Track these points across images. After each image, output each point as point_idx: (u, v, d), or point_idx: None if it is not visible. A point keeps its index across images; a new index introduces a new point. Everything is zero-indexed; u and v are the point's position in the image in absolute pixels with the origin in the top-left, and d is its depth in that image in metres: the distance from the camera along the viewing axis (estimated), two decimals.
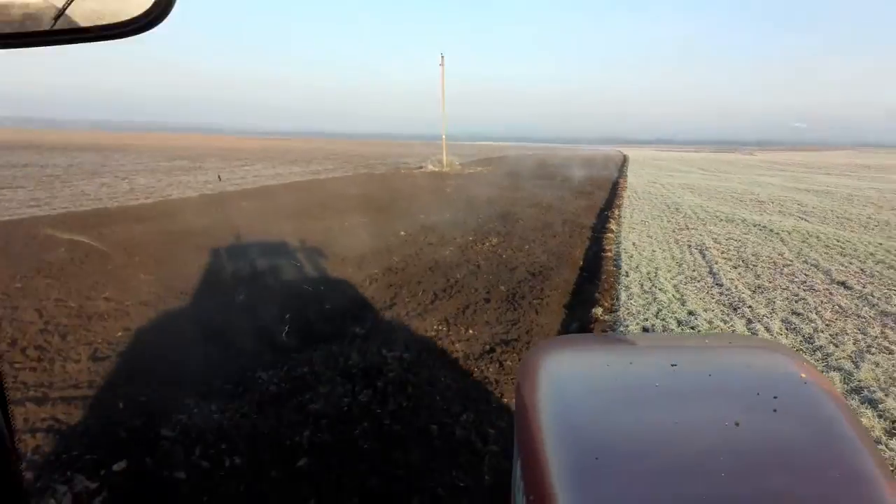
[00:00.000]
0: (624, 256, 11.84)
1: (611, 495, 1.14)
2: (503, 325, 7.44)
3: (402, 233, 14.05)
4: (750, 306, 8.57)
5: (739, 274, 10.63)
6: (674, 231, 15.37)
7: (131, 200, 19.53)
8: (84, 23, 1.06)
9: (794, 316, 8.15)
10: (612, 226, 15.92)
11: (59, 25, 1.03)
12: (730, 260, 11.82)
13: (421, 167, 41.19)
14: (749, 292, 9.38)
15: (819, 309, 8.49)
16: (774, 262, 11.62)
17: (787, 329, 7.60)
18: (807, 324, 7.78)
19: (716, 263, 11.40)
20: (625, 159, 66.63)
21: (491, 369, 5.99)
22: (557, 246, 13.01)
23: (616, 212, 19.00)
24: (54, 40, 1.04)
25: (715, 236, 14.59)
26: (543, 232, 14.85)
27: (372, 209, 17.95)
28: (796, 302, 8.84)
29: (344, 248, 12.06)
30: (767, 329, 7.56)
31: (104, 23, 1.07)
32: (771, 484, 1.13)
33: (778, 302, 8.82)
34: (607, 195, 25.47)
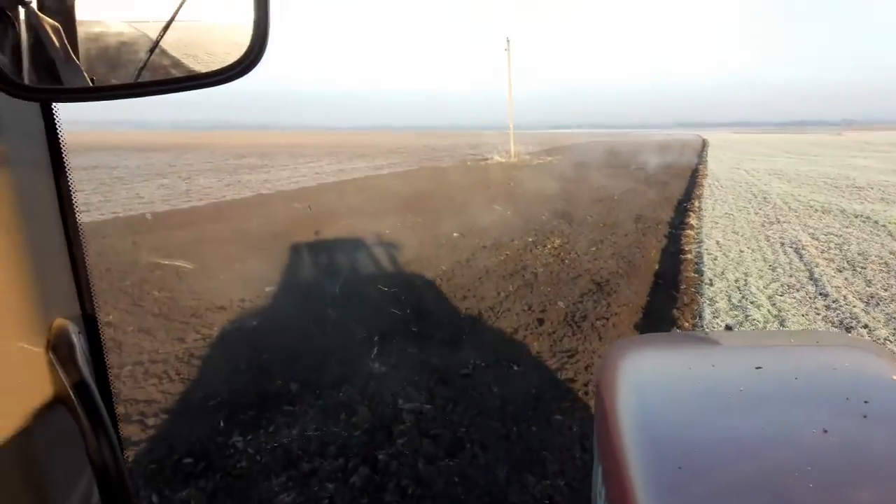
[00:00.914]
0: (706, 259, 10.36)
1: None
2: (557, 358, 6.15)
3: (455, 234, 12.86)
4: (866, 324, 7.06)
5: (846, 280, 9.03)
6: (763, 226, 13.69)
7: (183, 203, 19.00)
8: (166, 74, 1.00)
9: None
10: (692, 220, 14.34)
11: (142, 78, 0.98)
12: (832, 261, 10.19)
13: (486, 159, 39.85)
14: (862, 305, 7.83)
15: None
16: (887, 264, 9.94)
17: None
18: None
19: (816, 266, 9.80)
20: (704, 144, 63.48)
21: (534, 433, 4.70)
22: (629, 247, 11.59)
23: (696, 203, 17.32)
24: (135, 93, 0.96)
25: (811, 231, 12.87)
26: (613, 231, 13.42)
27: (426, 208, 16.83)
28: None
29: (385, 256, 10.99)
30: None
31: (189, 73, 1.00)
32: (861, 497, 1.08)
33: None
34: (685, 185, 23.59)
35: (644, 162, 35.49)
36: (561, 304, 8.01)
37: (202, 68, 1.02)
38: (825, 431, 1.23)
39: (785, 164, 32.83)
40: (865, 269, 9.66)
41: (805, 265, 9.94)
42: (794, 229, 13.11)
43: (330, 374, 5.69)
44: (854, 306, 7.76)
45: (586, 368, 5.79)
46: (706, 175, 26.59)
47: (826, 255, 10.65)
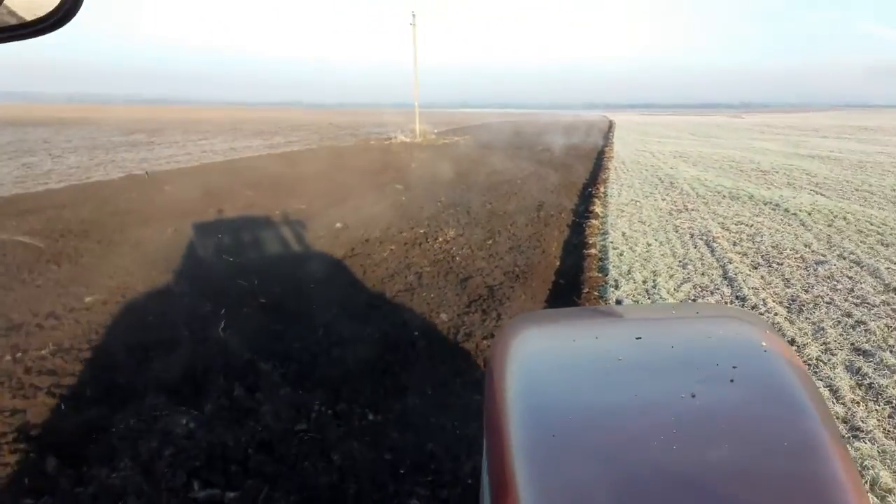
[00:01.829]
0: (612, 255, 9.24)
1: (565, 472, 1.15)
2: (433, 393, 4.80)
3: (339, 225, 11.36)
4: (791, 339, 6.02)
5: (763, 279, 8.09)
6: (671, 214, 12.76)
7: (38, 186, 16.67)
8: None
9: (860, 357, 5.61)
10: (597, 208, 13.28)
11: None
12: (746, 255, 9.26)
13: (391, 138, 38.18)
14: (784, 311, 6.86)
15: (892, 340, 5.97)
16: (804, 259, 9.08)
17: (858, 386, 5.06)
18: (884, 373, 5.24)
19: (730, 262, 8.83)
20: (610, 125, 63.49)
21: None
22: (529, 240, 10.37)
23: (601, 189, 16.32)
24: None
25: (721, 220, 12.00)
26: (513, 220, 12.19)
27: (314, 192, 15.21)
28: (853, 329, 6.31)
29: (250, 253, 9.42)
30: (831, 388, 5.02)
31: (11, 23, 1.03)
32: (720, 455, 1.14)
33: (828, 330, 6.27)
34: (591, 167, 22.72)
35: (550, 143, 34.63)
36: (444, 315, 6.67)
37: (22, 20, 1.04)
38: (693, 396, 1.29)
39: (690, 146, 32.60)
40: (782, 265, 8.75)
41: (718, 261, 8.96)
42: (703, 218, 12.21)
43: None
44: (776, 312, 6.76)
45: (466, 417, 4.44)
46: (612, 157, 25.85)
47: (739, 248, 9.72)
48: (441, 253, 9.41)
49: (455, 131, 49.84)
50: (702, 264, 8.76)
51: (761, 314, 6.66)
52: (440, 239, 10.33)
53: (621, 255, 9.27)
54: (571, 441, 1.21)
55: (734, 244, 9.99)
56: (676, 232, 10.98)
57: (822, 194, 15.33)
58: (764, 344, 1.54)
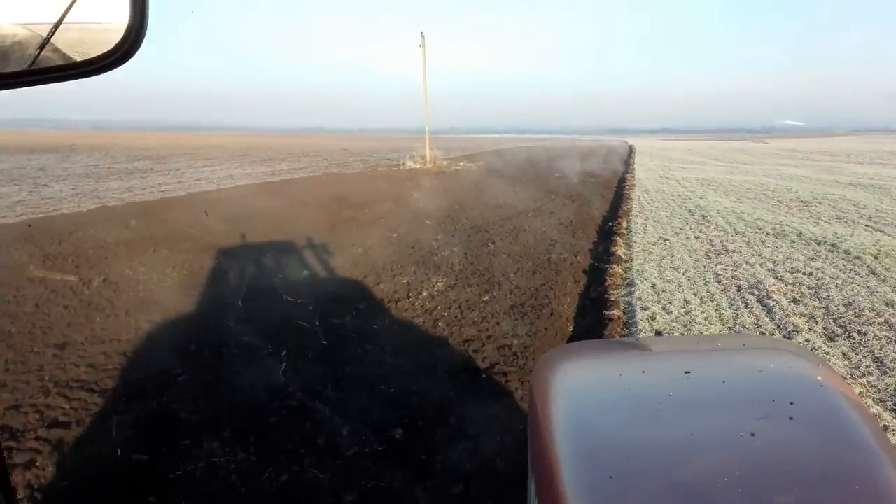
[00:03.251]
0: (641, 318, 7.19)
1: None
2: None
3: (306, 273, 9.43)
4: None
5: (848, 359, 6.04)
6: (708, 257, 10.67)
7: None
8: (49, 63, 1.04)
9: None
10: (620, 249, 11.19)
11: (39, 63, 1.02)
12: (814, 320, 7.18)
13: (397, 165, 36.30)
14: (890, 418, 4.76)
15: None
16: (891, 326, 6.94)
17: None
18: None
19: (796, 331, 6.75)
20: (630, 150, 61.35)
21: None
22: (535, 295, 8.36)
23: (623, 223, 14.22)
24: (22, 82, 1.02)
25: (771, 266, 9.89)
26: (519, 264, 10.18)
27: (294, 229, 13.30)
28: None
29: (189, 310, 7.48)
30: None
31: (73, 61, 1.05)
32: (787, 498, 1.11)
33: None
34: (612, 197, 20.64)
35: (567, 170, 32.56)
36: (397, 433, 4.64)
37: (83, 58, 1.07)
38: (752, 435, 1.25)
39: (717, 173, 30.43)
40: (865, 335, 6.64)
41: (780, 328, 6.90)
42: (748, 263, 10.11)
43: None
44: (884, 423, 4.66)
45: None
46: (634, 186, 23.70)
47: (802, 308, 7.62)
48: (421, 315, 7.41)
49: (468, 157, 47.93)
50: (761, 335, 6.67)
51: None
52: (424, 293, 8.34)
53: (653, 318, 7.21)
54: (631, 485, 1.17)
55: (795, 302, 7.89)
56: (719, 283, 8.90)
57: (881, 231, 13.13)
58: (819, 378, 1.50)
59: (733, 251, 11.12)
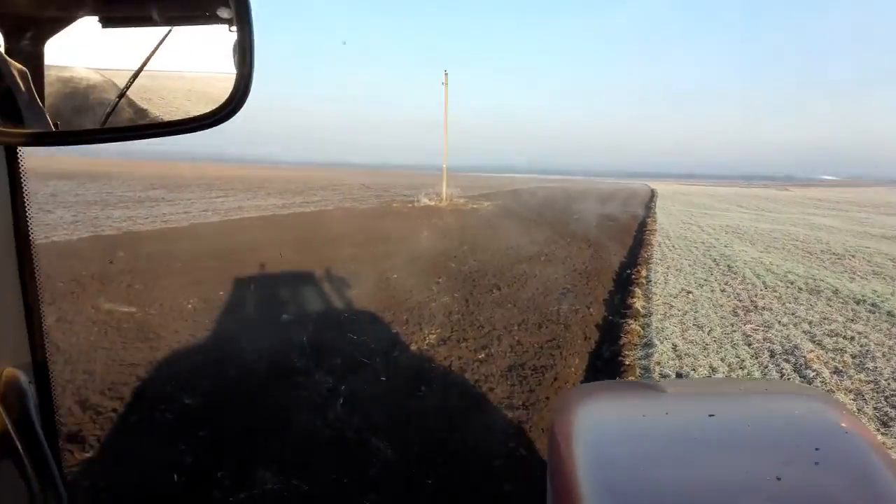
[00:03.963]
0: None
1: None
2: None
3: (284, 317, 8.48)
4: None
5: None
6: (736, 314, 9.63)
7: None
8: (143, 118, 1.05)
9: None
10: (638, 302, 10.17)
11: (115, 122, 1.02)
12: (862, 397, 6.19)
13: (412, 202, 35.51)
14: None
15: None
16: None
17: None
18: None
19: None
20: (652, 194, 60.38)
21: None
22: (539, 353, 7.36)
23: (643, 272, 13.18)
24: (102, 138, 1.02)
25: (807, 328, 8.83)
26: (524, 316, 9.19)
27: (296, 270, 12.45)
28: None
29: (120, 387, 6.55)
30: None
31: (175, 119, 1.04)
32: None
33: None
34: (631, 243, 19.58)
35: (586, 212, 31.58)
36: None
37: (167, 117, 1.05)
38: (778, 479, 1.24)
39: (742, 220, 29.32)
40: None
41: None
42: (781, 323, 9.06)
43: None
44: None
45: None
46: (655, 231, 22.67)
47: (847, 382, 6.58)
48: (400, 376, 6.41)
49: (486, 196, 47.11)
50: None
51: None
52: (413, 347, 7.36)
53: None
54: None
55: (838, 373, 6.84)
56: (749, 346, 7.85)
57: None
58: (843, 424, 1.48)
59: (763, 308, 10.06)
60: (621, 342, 7.91)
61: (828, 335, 8.46)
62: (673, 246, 18.23)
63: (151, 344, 7.27)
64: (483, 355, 7.18)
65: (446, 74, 37.07)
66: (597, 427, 1.62)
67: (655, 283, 11.95)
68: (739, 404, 1.74)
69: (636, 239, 20.66)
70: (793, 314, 9.69)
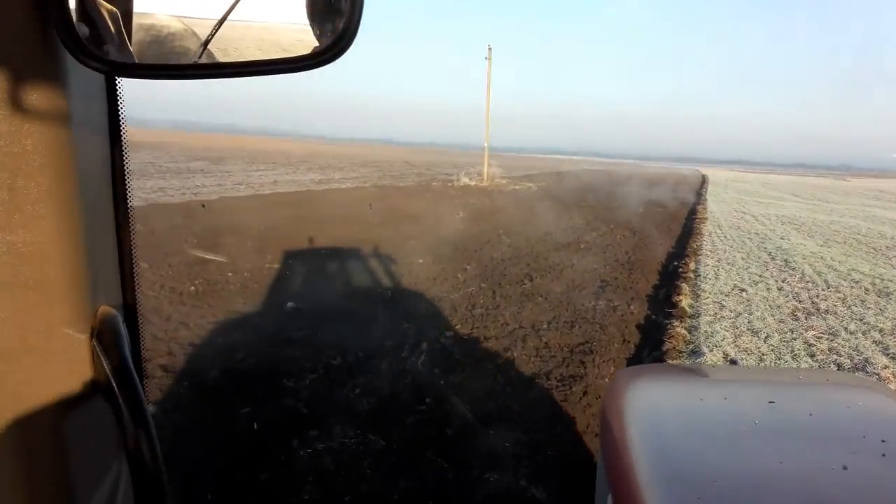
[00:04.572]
0: None
1: None
2: None
3: (290, 305, 7.71)
4: None
5: None
6: (795, 317, 8.59)
7: None
8: (251, 56, 0.98)
9: None
10: (685, 300, 9.16)
11: (224, 57, 0.96)
12: None
13: (451, 182, 34.50)
14: None
15: None
16: None
17: None
18: None
19: None
20: (703, 180, 58.29)
21: None
22: (569, 357, 6.46)
23: (691, 265, 12.11)
24: (201, 74, 0.94)
25: (878, 336, 7.80)
26: (557, 311, 8.28)
27: (317, 250, 11.74)
28: None
29: None
30: None
31: (272, 57, 0.97)
32: None
33: None
34: (679, 232, 18.40)
35: (633, 197, 30.23)
36: None
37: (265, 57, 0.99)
38: (845, 468, 1.20)
39: (798, 211, 27.72)
40: None
41: None
42: (848, 330, 7.99)
43: None
44: None
45: None
46: (705, 220, 21.38)
47: None
48: (407, 392, 5.56)
49: (529, 177, 45.89)
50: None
51: None
52: (423, 346, 6.50)
53: None
54: None
55: None
56: (813, 358, 6.85)
57: None
58: None
59: (827, 312, 8.97)
60: (665, 348, 6.95)
61: None
62: (725, 236, 17.03)
63: None
64: (503, 360, 6.30)
65: (490, 49, 35.87)
66: (652, 411, 1.57)
67: (705, 277, 10.89)
68: (800, 393, 1.70)
69: (685, 228, 19.42)
70: (860, 320, 8.59)
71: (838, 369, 6.40)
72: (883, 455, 1.26)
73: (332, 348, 6.21)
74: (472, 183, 33.89)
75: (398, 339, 6.66)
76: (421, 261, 11.12)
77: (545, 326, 7.57)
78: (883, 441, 1.30)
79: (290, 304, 7.86)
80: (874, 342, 7.57)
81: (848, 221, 23.61)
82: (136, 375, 0.87)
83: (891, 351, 7.23)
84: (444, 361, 6.14)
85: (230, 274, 9.47)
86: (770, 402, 1.53)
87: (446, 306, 8.23)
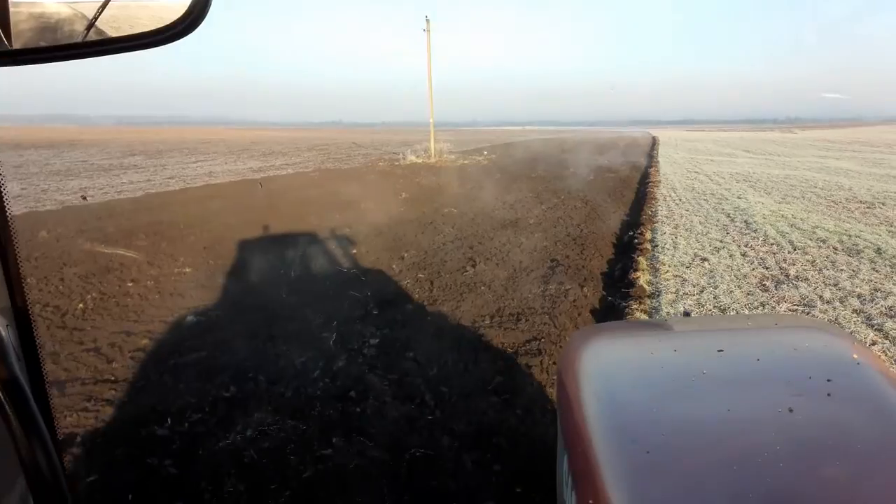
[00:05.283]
0: None
1: (666, 492, 1.09)
2: None
3: (190, 318, 6.60)
4: None
5: None
6: (764, 286, 7.77)
7: None
8: (115, 33, 1.05)
9: None
10: (643, 275, 8.27)
11: (91, 37, 1.02)
12: None
13: (398, 161, 33.22)
14: None
15: None
16: None
17: None
18: None
19: None
20: (654, 142, 57.81)
21: None
22: (513, 360, 5.48)
23: (647, 234, 11.23)
24: (85, 52, 1.02)
25: (857, 304, 6.98)
26: (502, 302, 7.30)
27: (231, 243, 10.56)
28: None
29: None
30: None
31: (136, 32, 1.05)
32: (831, 472, 1.09)
33: None
34: (633, 198, 17.54)
35: (585, 164, 29.39)
36: None
37: (146, 29, 1.05)
38: (791, 410, 1.22)
39: (751, 167, 27.13)
40: None
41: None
42: (823, 299, 7.18)
43: None
44: None
45: None
46: (659, 182, 20.59)
47: None
48: (292, 440, 4.52)
49: (480, 150, 44.80)
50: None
51: None
52: (340, 363, 5.46)
53: None
54: (669, 457, 1.14)
55: None
56: None
57: None
58: (855, 356, 1.46)
59: (797, 278, 8.16)
60: None
61: (888, 315, 6.58)
62: (680, 199, 16.22)
63: None
64: (435, 371, 5.29)
65: (428, 21, 34.50)
66: (605, 365, 1.60)
67: (663, 247, 10.01)
68: (749, 339, 1.70)
69: (638, 193, 18.60)
70: (835, 285, 7.79)
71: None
72: (828, 395, 1.27)
73: (229, 374, 5.15)
74: (420, 160, 32.71)
75: (312, 358, 5.60)
76: (354, 251, 10.05)
77: (486, 322, 6.57)
78: (828, 381, 1.32)
79: (190, 318, 6.73)
80: (854, 311, 6.75)
81: (803, 174, 23.09)
82: (24, 384, 0.83)
83: (875, 321, 6.41)
84: (357, 384, 5.10)
85: (130, 284, 8.29)
86: (719, 351, 1.53)
87: (374, 303, 7.19)
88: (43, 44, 1.00)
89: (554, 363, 5.46)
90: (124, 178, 24.27)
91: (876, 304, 7.01)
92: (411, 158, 33.08)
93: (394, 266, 9.07)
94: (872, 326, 6.27)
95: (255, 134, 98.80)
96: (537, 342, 5.97)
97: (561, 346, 5.88)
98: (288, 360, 5.51)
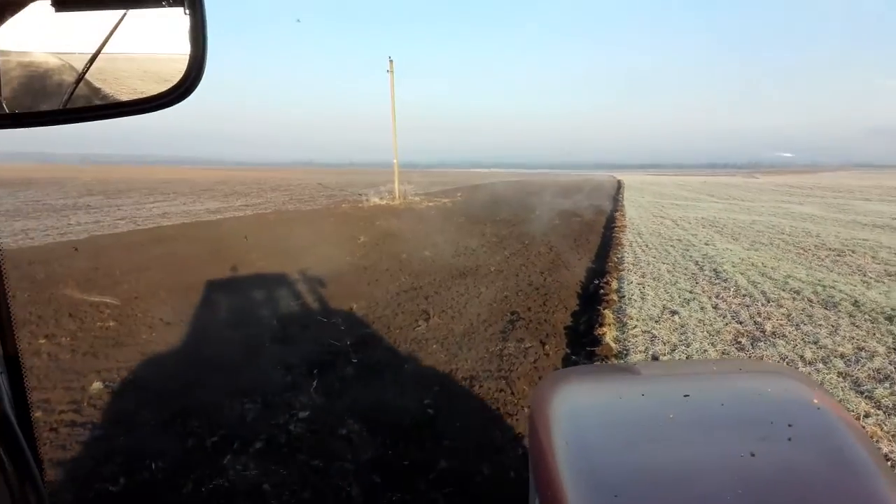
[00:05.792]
0: None
1: None
2: None
3: (97, 386, 5.74)
4: None
5: None
6: (739, 344, 7.20)
7: None
8: (100, 100, 1.03)
9: None
10: (610, 331, 7.61)
11: (73, 104, 1.00)
12: None
13: (362, 203, 32.51)
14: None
15: None
16: None
17: None
18: None
19: None
20: (619, 185, 58.07)
21: None
22: (459, 452, 4.72)
23: (614, 283, 10.62)
24: (73, 118, 1.00)
25: (842, 366, 6.41)
26: (454, 364, 6.56)
27: (166, 294, 9.71)
28: None
29: None
30: None
31: (125, 99, 1.04)
32: None
33: None
34: (599, 243, 17.00)
35: (549, 207, 28.97)
36: None
37: (130, 98, 1.04)
38: (753, 455, 1.25)
39: (717, 212, 26.92)
40: None
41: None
42: (805, 360, 6.60)
43: None
44: None
45: None
46: (625, 227, 20.16)
47: None
48: None
49: (445, 192, 44.38)
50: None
51: None
52: (258, 445, 4.66)
53: None
54: (636, 501, 1.15)
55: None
56: None
57: None
58: (815, 401, 1.48)
59: (774, 334, 7.57)
60: None
61: (876, 380, 6.00)
62: (646, 245, 15.70)
63: None
64: (371, 458, 4.51)
65: (391, 62, 34.20)
66: (574, 410, 1.58)
67: (630, 299, 9.39)
68: (714, 384, 1.71)
69: (604, 238, 18.07)
70: (815, 343, 7.21)
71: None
72: (789, 439, 1.28)
73: (118, 461, 4.32)
74: (383, 202, 32.08)
75: (226, 436, 4.79)
76: (297, 304, 9.26)
77: (437, 389, 5.83)
78: (789, 426, 1.31)
79: (96, 385, 5.87)
80: (840, 375, 6.16)
81: (769, 220, 22.86)
82: (16, 428, 0.86)
83: (864, 387, 5.81)
84: (287, 461, 4.31)
85: (42, 341, 7.40)
86: (685, 396, 1.51)
87: (315, 363, 6.41)
88: (32, 108, 1.00)
89: (507, 442, 4.72)
90: (73, 218, 23.20)
91: (861, 365, 6.43)
92: (375, 200, 32.43)
93: (338, 320, 8.29)
94: (862, 394, 5.67)
95: (223, 174, 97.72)
96: (491, 414, 5.23)
97: (519, 420, 5.16)
98: (199, 440, 4.69)
